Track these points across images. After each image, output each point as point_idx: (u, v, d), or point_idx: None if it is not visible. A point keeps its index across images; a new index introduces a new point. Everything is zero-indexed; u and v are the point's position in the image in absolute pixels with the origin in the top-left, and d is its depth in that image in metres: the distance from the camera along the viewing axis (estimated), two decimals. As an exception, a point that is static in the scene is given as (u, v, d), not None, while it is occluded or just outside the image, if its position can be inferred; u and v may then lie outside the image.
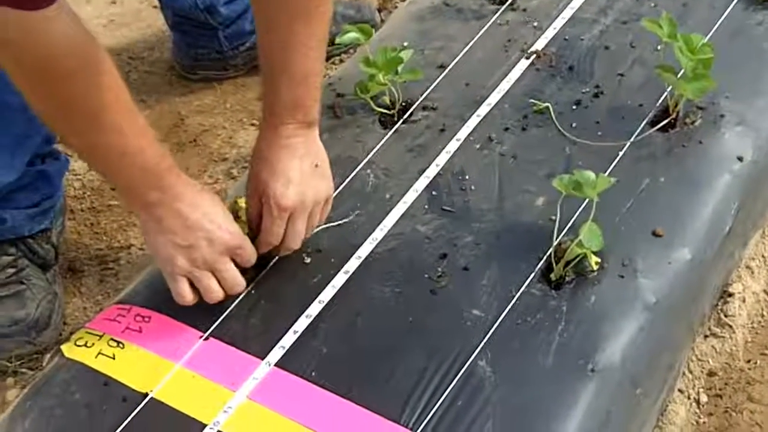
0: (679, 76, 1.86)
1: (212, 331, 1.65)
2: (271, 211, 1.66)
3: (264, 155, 1.68)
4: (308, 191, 1.68)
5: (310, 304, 1.67)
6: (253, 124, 2.33)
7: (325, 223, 1.77)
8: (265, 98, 1.70)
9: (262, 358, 1.60)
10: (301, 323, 1.64)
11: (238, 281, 1.66)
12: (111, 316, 1.72)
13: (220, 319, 1.66)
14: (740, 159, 1.85)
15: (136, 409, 1.56)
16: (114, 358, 1.64)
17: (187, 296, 1.64)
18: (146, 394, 1.57)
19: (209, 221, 1.61)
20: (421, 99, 2.02)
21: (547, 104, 1.94)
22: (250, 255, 1.67)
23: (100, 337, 1.68)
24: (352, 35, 1.99)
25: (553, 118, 1.92)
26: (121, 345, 1.66)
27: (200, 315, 1.67)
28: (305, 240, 1.72)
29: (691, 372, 1.77)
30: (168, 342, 1.65)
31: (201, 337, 1.65)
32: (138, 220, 1.64)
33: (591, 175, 1.67)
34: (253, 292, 1.70)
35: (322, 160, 1.72)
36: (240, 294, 1.69)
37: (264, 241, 1.69)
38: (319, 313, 1.66)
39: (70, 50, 1.43)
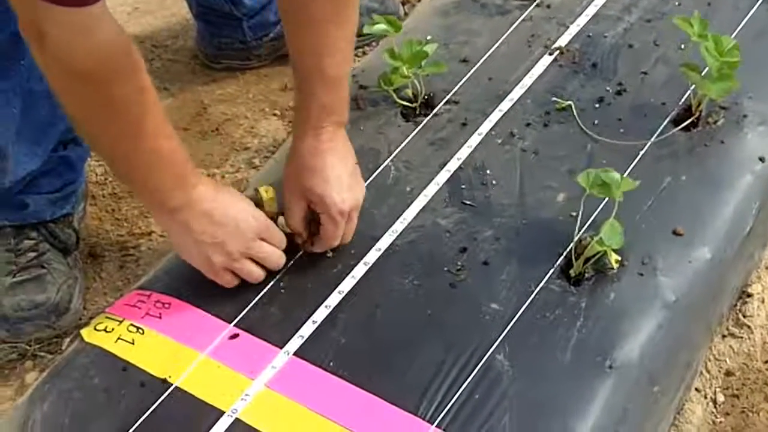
0: (702, 75, 1.85)
1: (234, 319, 1.66)
2: (335, 218, 1.68)
3: (308, 162, 1.68)
4: (358, 191, 1.71)
5: (329, 295, 1.67)
6: (275, 114, 2.34)
7: None
8: (301, 103, 1.71)
9: (281, 347, 1.60)
10: (321, 313, 1.65)
11: (277, 256, 1.69)
12: (131, 301, 1.72)
13: (244, 310, 1.67)
14: (762, 159, 1.85)
15: (154, 394, 1.56)
16: (133, 344, 1.65)
17: (233, 283, 1.68)
18: (164, 380, 1.58)
19: (233, 213, 1.63)
20: (449, 94, 2.01)
21: (569, 102, 1.94)
22: (279, 238, 1.69)
23: (120, 322, 1.68)
24: (381, 27, 1.99)
25: (576, 115, 1.92)
26: (140, 330, 1.66)
27: (220, 302, 1.68)
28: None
29: (708, 371, 1.77)
30: (188, 329, 1.66)
31: (221, 325, 1.65)
32: (163, 228, 1.65)
33: (616, 175, 1.66)
34: (273, 281, 1.71)
35: (356, 159, 1.75)
36: (261, 284, 1.69)
37: (327, 245, 1.72)
38: (339, 303, 1.66)
39: (115, 50, 1.43)
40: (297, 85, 1.73)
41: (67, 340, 1.92)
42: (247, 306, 1.67)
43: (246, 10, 2.39)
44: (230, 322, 1.65)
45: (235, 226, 1.63)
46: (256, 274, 1.68)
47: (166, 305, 1.70)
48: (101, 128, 1.53)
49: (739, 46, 1.84)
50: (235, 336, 1.64)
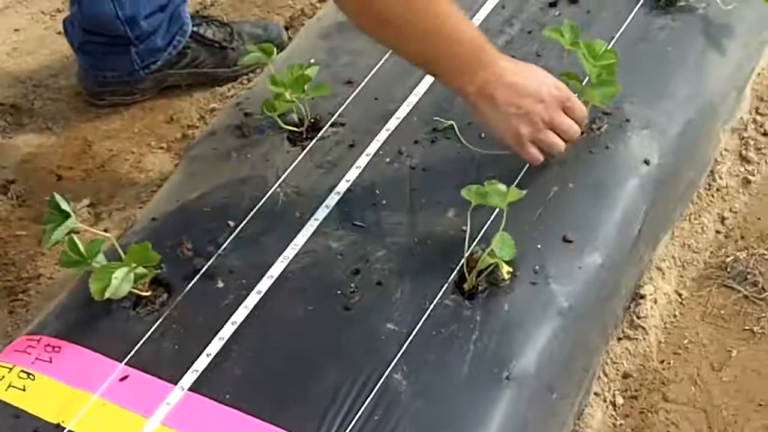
0: (584, 83, 1.87)
1: (124, 358, 1.63)
2: None
3: None
4: None
5: (222, 326, 1.65)
6: (161, 148, 2.31)
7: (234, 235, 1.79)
8: None
9: (175, 383, 1.58)
10: (214, 346, 1.62)
11: (574, 130, 1.77)
12: (20, 347, 1.69)
13: (135, 348, 1.64)
14: (647, 162, 1.87)
15: (47, 441, 1.53)
16: (24, 390, 1.61)
17: (540, 158, 1.77)
18: (58, 425, 1.55)
19: (536, 85, 1.73)
20: (335, 116, 2.01)
21: (451, 122, 1.95)
22: (580, 106, 1.78)
23: (10, 369, 1.64)
24: (255, 55, 1.99)
25: (458, 134, 1.93)
26: (31, 376, 1.63)
27: (111, 342, 1.65)
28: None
29: (606, 375, 1.78)
30: (79, 371, 1.63)
31: (112, 364, 1.62)
32: (470, 105, 1.76)
33: (501, 186, 1.67)
34: (165, 316, 1.68)
35: None
36: (152, 320, 1.67)
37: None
38: (232, 334, 1.64)
39: None
40: None
41: (-43, 391, 1.87)
42: (137, 343, 1.64)
43: (139, 33, 2.35)
44: (121, 361, 1.62)
45: (538, 96, 1.71)
46: (558, 144, 1.75)
47: (57, 349, 1.67)
48: (403, 11, 1.62)
49: (614, 50, 1.86)
50: (127, 375, 1.60)
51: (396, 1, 1.60)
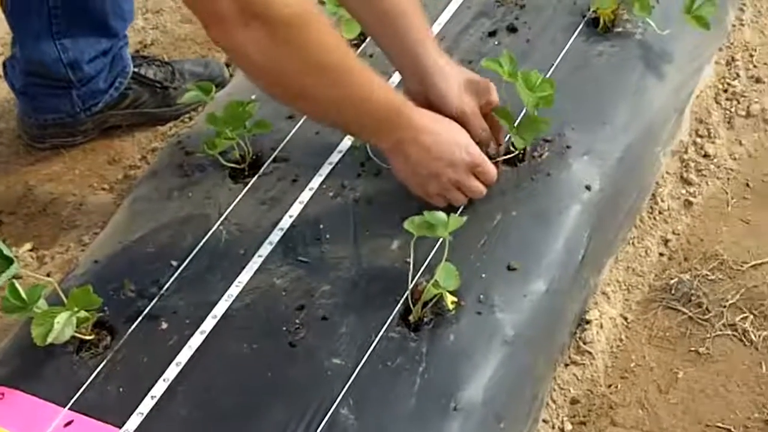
0: (523, 112, 1.89)
1: (69, 403, 1.61)
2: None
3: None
4: None
5: (167, 367, 1.64)
6: (104, 189, 2.29)
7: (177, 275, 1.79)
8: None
9: (120, 427, 1.56)
10: (159, 388, 1.61)
11: (480, 191, 1.82)
12: (-37, 396, 1.66)
13: (78, 392, 1.62)
14: (588, 188, 1.88)
15: (-9, 491, 1.51)
16: (-33, 440, 1.59)
17: (444, 204, 1.80)
18: (2, 475, 1.53)
19: (449, 148, 1.77)
20: (276, 152, 2.00)
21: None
22: (490, 171, 1.82)
23: (-47, 418, 1.62)
24: (193, 94, 1.99)
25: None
26: (-26, 425, 1.61)
27: (55, 388, 1.63)
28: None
29: (554, 401, 1.78)
30: (23, 418, 1.61)
31: (56, 410, 1.60)
32: (386, 155, 1.82)
33: (442, 215, 1.67)
34: (108, 359, 1.66)
35: None
36: (95, 363, 1.66)
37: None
38: (177, 375, 1.63)
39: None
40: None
41: None
42: (81, 387, 1.62)
43: (81, 76, 2.33)
44: (65, 406, 1.60)
45: (448, 161, 1.76)
46: (462, 201, 1.82)
47: (0, 396, 1.64)
48: (314, 78, 1.61)
49: (551, 80, 1.86)
50: (71, 420, 1.59)
51: (309, 73, 1.60)
